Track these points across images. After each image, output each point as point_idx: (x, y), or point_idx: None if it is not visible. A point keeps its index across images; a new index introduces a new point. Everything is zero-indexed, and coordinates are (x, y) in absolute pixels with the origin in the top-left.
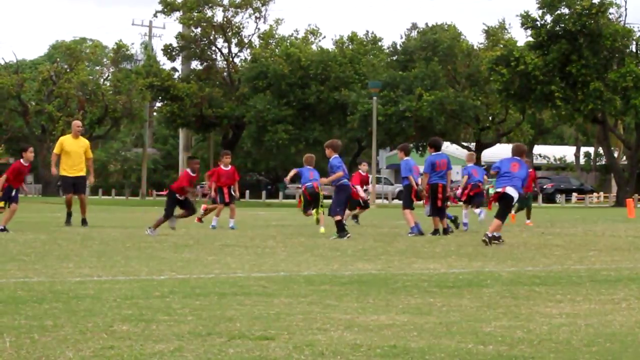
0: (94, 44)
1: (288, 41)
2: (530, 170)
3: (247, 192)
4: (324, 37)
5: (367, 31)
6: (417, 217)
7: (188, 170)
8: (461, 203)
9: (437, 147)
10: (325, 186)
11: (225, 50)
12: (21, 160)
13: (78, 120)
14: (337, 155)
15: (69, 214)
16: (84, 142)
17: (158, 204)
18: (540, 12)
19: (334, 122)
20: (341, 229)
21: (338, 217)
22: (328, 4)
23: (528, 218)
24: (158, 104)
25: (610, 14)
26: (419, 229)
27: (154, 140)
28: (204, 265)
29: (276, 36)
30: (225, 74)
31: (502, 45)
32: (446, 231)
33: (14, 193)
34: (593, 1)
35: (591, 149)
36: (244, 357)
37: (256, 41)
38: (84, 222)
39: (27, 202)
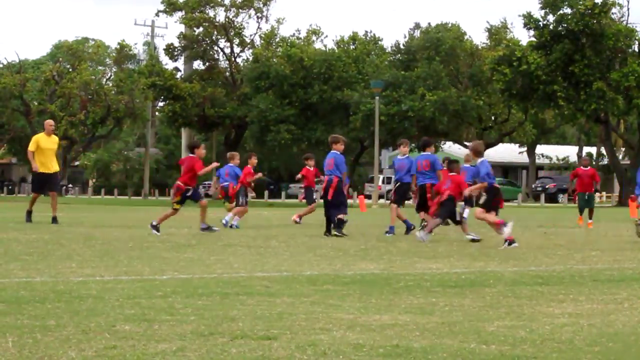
0: (96, 44)
1: (289, 41)
2: (589, 168)
3: None
4: (326, 36)
5: (367, 31)
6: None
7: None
8: None
9: (423, 148)
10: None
11: (227, 50)
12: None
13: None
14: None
15: (29, 212)
16: (56, 139)
17: (163, 204)
18: (542, 12)
19: (336, 122)
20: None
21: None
22: (329, 3)
23: (590, 218)
24: (160, 104)
25: (612, 13)
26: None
27: (156, 140)
28: (207, 265)
29: (277, 37)
30: (227, 73)
31: (504, 45)
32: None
33: (190, 193)
34: (596, 1)
35: (593, 149)
36: (246, 356)
37: (258, 41)
38: (54, 220)
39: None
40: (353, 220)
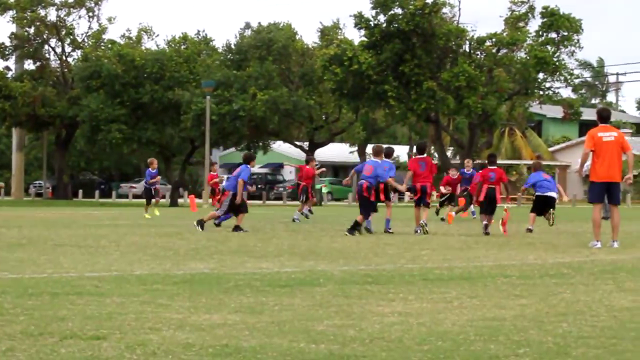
0: None
1: (121, 41)
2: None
3: (81, 191)
4: (157, 35)
5: (199, 31)
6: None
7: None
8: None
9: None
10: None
11: (58, 50)
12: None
13: None
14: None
15: None
16: None
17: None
18: (373, 12)
19: (167, 122)
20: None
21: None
22: (160, 3)
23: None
24: None
25: (443, 13)
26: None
27: None
28: (37, 265)
29: (106, 38)
30: (58, 73)
31: (336, 45)
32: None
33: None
34: (426, 1)
35: None
36: (75, 357)
37: (89, 41)
38: None
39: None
40: (184, 220)
